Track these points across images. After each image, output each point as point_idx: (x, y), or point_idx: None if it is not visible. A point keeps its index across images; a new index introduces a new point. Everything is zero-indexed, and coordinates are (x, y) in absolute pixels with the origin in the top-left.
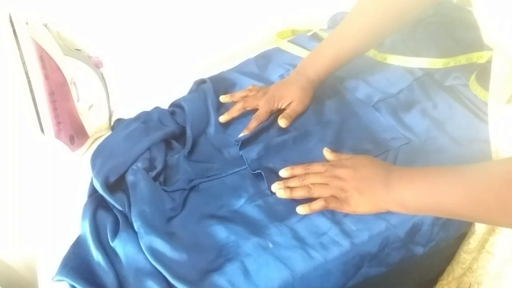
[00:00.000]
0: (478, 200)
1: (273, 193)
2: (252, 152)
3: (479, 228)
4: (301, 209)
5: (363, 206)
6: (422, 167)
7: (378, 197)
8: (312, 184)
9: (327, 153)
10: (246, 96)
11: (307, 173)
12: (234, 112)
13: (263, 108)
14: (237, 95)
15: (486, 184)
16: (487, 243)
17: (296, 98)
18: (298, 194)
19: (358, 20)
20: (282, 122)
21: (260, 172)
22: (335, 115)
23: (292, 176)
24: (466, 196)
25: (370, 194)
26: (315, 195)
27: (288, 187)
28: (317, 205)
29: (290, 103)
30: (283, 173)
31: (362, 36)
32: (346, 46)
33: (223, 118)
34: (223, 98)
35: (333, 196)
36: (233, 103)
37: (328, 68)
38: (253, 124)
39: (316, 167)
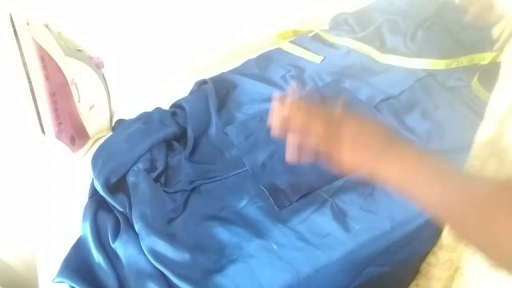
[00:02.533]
0: (451, 200)
1: (280, 209)
2: (257, 161)
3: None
4: (289, 152)
5: (354, 161)
6: (419, 152)
7: (371, 158)
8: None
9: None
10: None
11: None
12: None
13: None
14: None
15: (470, 201)
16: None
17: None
18: (297, 126)
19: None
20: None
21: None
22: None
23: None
24: (442, 200)
25: (365, 152)
26: (312, 131)
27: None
28: (308, 149)
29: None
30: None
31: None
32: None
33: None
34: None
35: (329, 139)
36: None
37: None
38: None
39: (318, 121)
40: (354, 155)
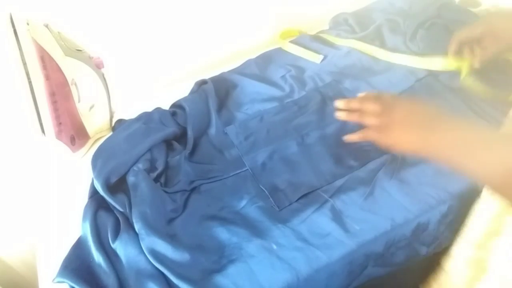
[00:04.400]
0: (501, 167)
1: (280, 209)
2: (257, 161)
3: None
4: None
5: (403, 141)
6: (472, 123)
7: (420, 137)
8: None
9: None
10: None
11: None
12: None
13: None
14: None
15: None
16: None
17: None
18: (353, 118)
19: None
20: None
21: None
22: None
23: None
24: (490, 163)
25: (414, 133)
26: (366, 122)
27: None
28: (358, 136)
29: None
30: (339, 103)
31: None
32: None
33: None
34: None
35: (378, 127)
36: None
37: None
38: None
39: (372, 106)
40: (405, 134)
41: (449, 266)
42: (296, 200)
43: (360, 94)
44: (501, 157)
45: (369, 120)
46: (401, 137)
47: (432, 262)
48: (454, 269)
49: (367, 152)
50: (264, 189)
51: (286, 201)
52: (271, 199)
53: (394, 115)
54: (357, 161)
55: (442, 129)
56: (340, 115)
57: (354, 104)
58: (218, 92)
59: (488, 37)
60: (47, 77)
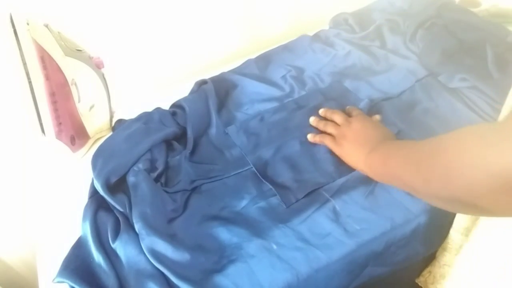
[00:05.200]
0: (414, 163)
1: (287, 206)
2: (261, 160)
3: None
4: (310, 136)
5: (349, 155)
6: (401, 141)
7: (360, 154)
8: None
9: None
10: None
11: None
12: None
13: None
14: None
15: (426, 152)
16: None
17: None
18: (319, 125)
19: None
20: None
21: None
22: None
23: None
24: (406, 161)
25: (356, 148)
26: (327, 130)
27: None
28: (317, 138)
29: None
30: (312, 120)
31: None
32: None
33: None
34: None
35: (334, 136)
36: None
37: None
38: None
39: (337, 117)
40: (352, 150)
41: (440, 256)
42: (303, 197)
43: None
44: (444, 167)
45: (329, 129)
46: (349, 152)
47: (431, 260)
48: (442, 257)
49: None
50: (271, 187)
51: (293, 198)
52: (278, 196)
53: (349, 130)
54: None
55: (379, 148)
56: (312, 120)
57: (327, 114)
58: (218, 92)
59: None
60: (47, 77)
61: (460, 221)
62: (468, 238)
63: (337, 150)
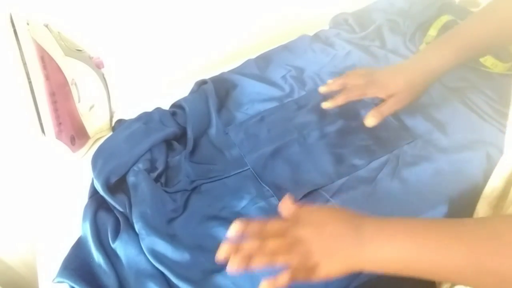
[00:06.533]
0: (483, 265)
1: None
2: (259, 160)
3: None
4: (264, 285)
5: (336, 270)
6: (403, 218)
7: (351, 256)
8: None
9: (284, 206)
10: (346, 84)
11: (265, 236)
12: (339, 101)
13: (358, 92)
14: (337, 82)
15: (493, 247)
16: None
17: (399, 93)
18: (259, 263)
19: (497, 11)
20: (369, 121)
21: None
22: (338, 116)
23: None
24: (465, 259)
25: (341, 254)
26: (279, 263)
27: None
28: (283, 280)
29: (390, 97)
30: (232, 230)
31: (499, 28)
32: (483, 34)
33: (325, 105)
34: (322, 90)
35: (300, 264)
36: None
37: (457, 57)
38: (341, 98)
39: (276, 226)
40: (339, 264)
41: None
42: (300, 199)
43: None
44: (463, 248)
45: (283, 261)
46: (331, 268)
47: None
48: None
49: (372, 151)
50: (268, 188)
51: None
52: (276, 198)
53: (306, 244)
54: (362, 160)
55: (376, 239)
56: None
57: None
58: (218, 92)
59: (382, 97)
60: (47, 77)
61: None
62: None
63: (317, 277)
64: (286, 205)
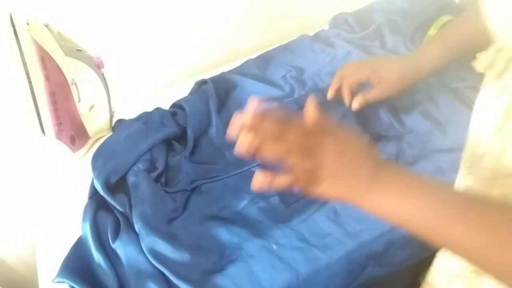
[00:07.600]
0: (496, 232)
1: (287, 206)
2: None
3: None
4: (257, 181)
5: (334, 193)
6: (424, 179)
7: (356, 189)
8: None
9: (310, 110)
10: (341, 76)
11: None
12: (357, 101)
13: (353, 78)
14: (334, 80)
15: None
16: None
17: (387, 81)
18: (271, 151)
19: (477, 14)
20: (353, 106)
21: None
22: (336, 112)
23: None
24: (478, 224)
25: (349, 182)
26: (288, 161)
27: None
28: (282, 182)
29: (379, 84)
30: (252, 105)
31: (476, 30)
32: (463, 36)
33: (354, 106)
34: (329, 95)
35: (307, 171)
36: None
37: (441, 57)
38: (358, 98)
39: (301, 125)
40: (339, 191)
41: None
42: (303, 197)
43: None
44: (477, 214)
45: (291, 159)
46: (331, 189)
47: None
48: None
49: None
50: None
51: (292, 198)
52: (277, 197)
53: (323, 155)
54: None
55: (387, 189)
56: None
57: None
58: (218, 92)
59: (372, 82)
60: (47, 77)
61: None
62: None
63: (312, 191)
64: (312, 110)
